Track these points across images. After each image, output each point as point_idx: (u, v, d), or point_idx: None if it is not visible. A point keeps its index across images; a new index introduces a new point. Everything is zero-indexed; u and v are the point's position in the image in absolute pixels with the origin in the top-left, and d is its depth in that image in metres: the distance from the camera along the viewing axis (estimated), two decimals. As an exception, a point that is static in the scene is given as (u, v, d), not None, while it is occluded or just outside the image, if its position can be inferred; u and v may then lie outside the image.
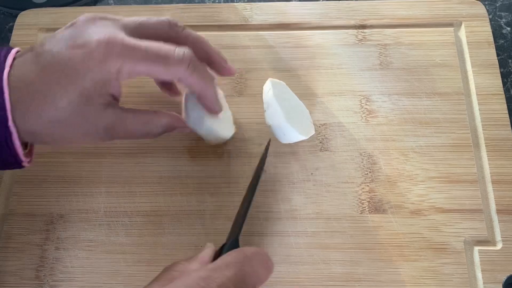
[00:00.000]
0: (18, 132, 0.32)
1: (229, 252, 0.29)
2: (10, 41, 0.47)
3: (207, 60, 0.38)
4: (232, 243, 0.32)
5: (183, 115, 0.39)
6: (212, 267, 0.28)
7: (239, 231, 0.34)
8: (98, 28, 0.32)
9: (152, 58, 0.32)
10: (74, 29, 0.33)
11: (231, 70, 0.39)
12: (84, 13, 0.34)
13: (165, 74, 0.34)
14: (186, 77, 0.34)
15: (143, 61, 0.32)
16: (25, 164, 0.35)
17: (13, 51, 0.33)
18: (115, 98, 0.35)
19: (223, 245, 0.33)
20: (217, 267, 0.28)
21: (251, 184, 0.37)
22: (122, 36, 0.32)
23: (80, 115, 0.32)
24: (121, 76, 0.32)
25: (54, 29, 0.46)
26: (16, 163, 0.34)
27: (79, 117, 0.33)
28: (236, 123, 0.42)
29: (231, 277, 0.27)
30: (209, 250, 0.32)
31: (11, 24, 0.50)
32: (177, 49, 0.33)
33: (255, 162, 0.40)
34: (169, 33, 0.35)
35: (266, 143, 0.40)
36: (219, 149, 0.41)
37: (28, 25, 0.47)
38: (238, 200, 0.39)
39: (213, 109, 0.37)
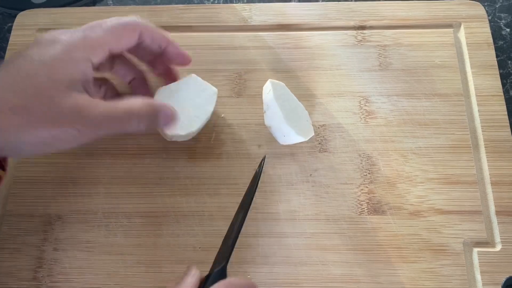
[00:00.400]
0: None
1: (216, 285, 0.29)
2: (9, 42, 0.47)
3: (162, 38, 0.38)
4: (219, 273, 0.31)
5: None
6: None
7: (227, 259, 0.33)
8: (61, 31, 0.34)
9: (110, 27, 0.35)
10: (39, 38, 0.33)
11: (185, 55, 0.40)
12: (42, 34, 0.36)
13: (129, 34, 0.36)
14: (146, 29, 0.36)
15: (106, 32, 0.34)
16: None
17: None
18: (86, 86, 0.33)
19: (208, 275, 0.31)
20: None
21: (242, 205, 0.37)
22: (82, 30, 0.34)
23: (46, 97, 0.31)
24: (95, 56, 0.33)
25: (52, 30, 0.47)
26: None
27: (45, 101, 0.31)
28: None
29: None
30: (194, 279, 0.30)
31: (10, 24, 0.50)
32: (127, 17, 0.36)
33: (254, 163, 0.40)
34: None
35: (262, 159, 0.40)
36: (217, 150, 0.41)
37: (27, 25, 0.47)
38: (237, 201, 0.39)
39: (185, 56, 0.39)
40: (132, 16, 0.36)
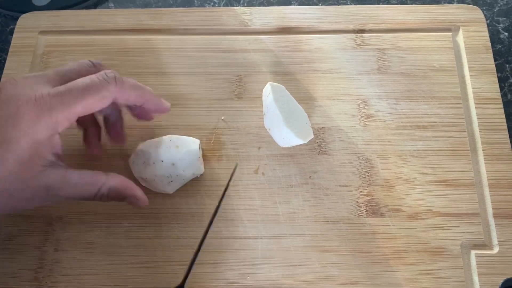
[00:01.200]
0: None
1: None
2: (11, 44, 0.47)
3: (137, 99, 0.36)
4: None
5: (136, 174, 0.39)
6: None
7: (184, 278, 0.34)
8: (22, 89, 0.31)
9: (81, 92, 0.32)
10: (0, 97, 0.31)
11: (164, 105, 0.38)
12: (6, 78, 0.33)
13: (100, 102, 0.33)
14: (120, 93, 0.34)
15: (74, 99, 0.31)
16: None
17: None
18: (57, 156, 0.33)
19: None
20: None
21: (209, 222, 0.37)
22: (48, 90, 0.31)
23: (21, 182, 0.31)
24: (61, 126, 0.32)
25: (55, 32, 0.47)
26: None
27: (20, 184, 0.31)
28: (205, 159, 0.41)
29: None
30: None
31: (12, 26, 0.51)
32: (97, 74, 0.33)
33: (254, 165, 0.41)
34: (91, 72, 0.35)
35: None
36: (217, 152, 0.42)
37: (29, 28, 0.48)
38: (236, 203, 0.39)
39: (163, 108, 0.38)
40: (107, 74, 0.33)
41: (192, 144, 0.40)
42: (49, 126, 0.31)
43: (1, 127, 0.30)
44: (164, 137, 0.40)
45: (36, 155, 0.31)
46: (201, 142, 0.42)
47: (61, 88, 0.32)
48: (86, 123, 0.39)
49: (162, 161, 0.38)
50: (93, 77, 0.33)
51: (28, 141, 0.30)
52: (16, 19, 0.48)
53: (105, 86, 0.33)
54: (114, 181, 0.34)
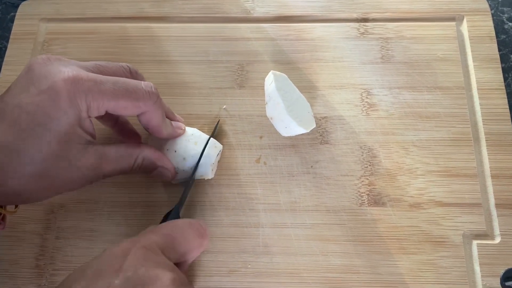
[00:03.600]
0: None
1: (163, 223, 0.32)
2: (12, 31, 0.47)
3: (158, 126, 0.36)
4: (172, 214, 0.35)
5: None
6: (142, 233, 0.30)
7: (180, 201, 0.36)
8: (58, 67, 0.31)
9: (121, 92, 0.31)
10: (33, 74, 0.30)
11: (179, 127, 0.38)
12: (37, 56, 0.32)
13: (133, 108, 0.33)
14: (152, 111, 0.34)
15: (112, 95, 0.31)
16: None
17: None
18: (92, 136, 0.33)
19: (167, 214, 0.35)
20: (147, 233, 0.30)
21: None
22: (86, 73, 0.31)
23: (63, 161, 0.31)
24: (91, 112, 0.31)
25: (56, 19, 0.47)
26: None
27: (62, 164, 0.31)
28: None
29: (157, 241, 0.29)
30: (152, 226, 0.32)
31: (12, 14, 0.50)
32: (143, 83, 0.33)
33: (256, 154, 0.41)
34: (127, 76, 0.35)
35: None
36: (219, 141, 0.41)
37: (29, 15, 0.47)
38: (238, 192, 0.39)
39: (173, 137, 0.38)
40: (153, 89, 0.33)
41: (212, 147, 0.38)
42: (84, 108, 0.31)
43: (39, 104, 0.29)
44: (189, 128, 0.39)
45: (75, 134, 0.31)
46: (203, 132, 0.41)
47: (102, 77, 0.31)
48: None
49: (175, 151, 0.38)
50: (139, 84, 0.33)
51: (68, 120, 0.30)
52: (17, 6, 0.48)
53: (145, 99, 0.33)
54: (148, 151, 0.35)
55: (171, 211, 0.35)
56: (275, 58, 0.45)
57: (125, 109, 0.32)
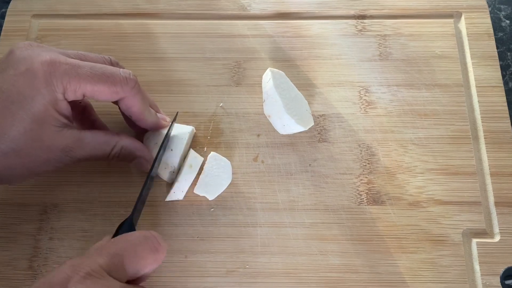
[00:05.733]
0: None
1: (113, 239, 0.29)
2: (3, 28, 0.46)
3: (139, 113, 0.36)
4: (124, 226, 0.32)
5: None
6: (86, 254, 0.28)
7: (133, 211, 0.33)
8: (38, 52, 0.32)
9: (98, 76, 0.32)
10: (12, 57, 0.31)
11: (163, 119, 0.39)
12: (19, 42, 0.33)
13: (110, 93, 0.33)
14: (130, 97, 0.34)
15: (89, 79, 0.31)
16: None
17: None
18: (68, 119, 0.33)
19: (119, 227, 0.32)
20: (91, 254, 0.27)
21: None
22: (65, 57, 0.32)
23: (36, 142, 0.31)
24: (67, 95, 0.31)
25: (49, 16, 0.46)
26: None
27: (36, 144, 0.31)
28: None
29: (103, 264, 0.26)
30: (104, 239, 0.30)
31: (3, 10, 0.49)
32: (121, 70, 0.34)
33: (253, 153, 0.40)
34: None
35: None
36: (216, 140, 0.41)
37: (21, 11, 0.46)
38: (235, 191, 0.39)
39: (158, 126, 0.38)
40: (130, 76, 0.34)
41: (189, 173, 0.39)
42: (60, 90, 0.31)
43: (15, 84, 0.30)
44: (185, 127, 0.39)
45: (50, 115, 0.31)
46: (199, 130, 0.41)
47: (80, 62, 0.32)
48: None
49: (171, 150, 0.38)
50: (117, 70, 0.33)
51: (43, 100, 0.30)
52: (8, 2, 0.47)
53: (122, 84, 0.33)
54: (127, 140, 0.36)
55: (125, 221, 0.33)
56: (273, 55, 0.44)
57: (102, 93, 0.32)
